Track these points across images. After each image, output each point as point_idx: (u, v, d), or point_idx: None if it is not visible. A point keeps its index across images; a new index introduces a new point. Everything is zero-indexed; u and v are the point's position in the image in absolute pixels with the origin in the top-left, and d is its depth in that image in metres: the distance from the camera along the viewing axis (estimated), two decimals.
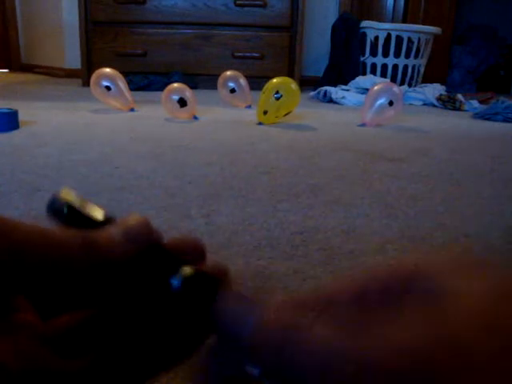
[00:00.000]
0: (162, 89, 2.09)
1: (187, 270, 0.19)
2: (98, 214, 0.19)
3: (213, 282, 0.19)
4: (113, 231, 0.19)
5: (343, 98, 2.71)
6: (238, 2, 3.04)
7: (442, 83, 3.10)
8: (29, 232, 0.17)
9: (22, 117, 1.70)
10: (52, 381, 0.18)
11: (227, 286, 0.20)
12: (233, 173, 1.20)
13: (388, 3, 3.82)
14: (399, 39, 3.06)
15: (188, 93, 1.93)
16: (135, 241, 0.19)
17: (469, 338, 0.14)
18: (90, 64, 3.04)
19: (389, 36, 3.06)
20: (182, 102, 1.92)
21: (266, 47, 3.11)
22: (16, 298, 0.19)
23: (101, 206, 0.20)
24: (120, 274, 0.19)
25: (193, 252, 0.21)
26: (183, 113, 1.94)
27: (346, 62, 3.17)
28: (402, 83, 3.11)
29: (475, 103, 2.63)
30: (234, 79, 2.34)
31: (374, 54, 3.14)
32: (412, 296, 0.16)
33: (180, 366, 0.22)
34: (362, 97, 2.55)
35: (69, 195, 0.19)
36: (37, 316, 0.19)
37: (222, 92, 2.38)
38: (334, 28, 3.22)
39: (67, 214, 0.19)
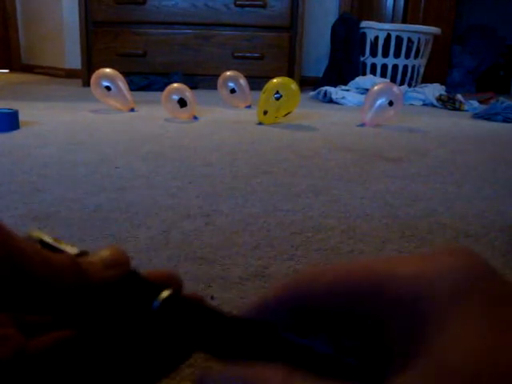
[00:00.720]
0: (162, 89, 2.09)
1: (166, 292, 0.20)
2: (72, 248, 0.20)
3: (189, 303, 0.20)
4: (92, 259, 0.20)
5: (343, 98, 2.71)
6: (238, 2, 3.04)
7: (441, 83, 3.11)
8: (25, 246, 0.17)
9: (22, 117, 1.70)
10: None
11: (204, 306, 0.21)
12: (233, 173, 1.20)
13: (388, 3, 3.83)
14: (399, 39, 3.06)
15: (188, 93, 1.93)
16: (114, 267, 0.20)
17: None
18: (90, 64, 3.04)
19: (389, 36, 3.06)
20: (182, 102, 1.92)
21: (265, 47, 3.11)
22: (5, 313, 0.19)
23: (72, 243, 0.21)
24: (102, 297, 0.20)
25: (169, 281, 0.22)
26: (183, 113, 1.94)
27: (346, 62, 3.17)
28: (401, 83, 3.11)
29: (475, 103, 2.64)
30: (234, 79, 2.35)
31: (373, 54, 3.14)
32: (400, 317, 0.15)
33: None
34: (361, 97, 2.56)
35: (39, 233, 0.20)
36: (18, 333, 0.20)
37: (222, 92, 2.39)
38: (334, 28, 3.23)
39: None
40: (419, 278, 0.16)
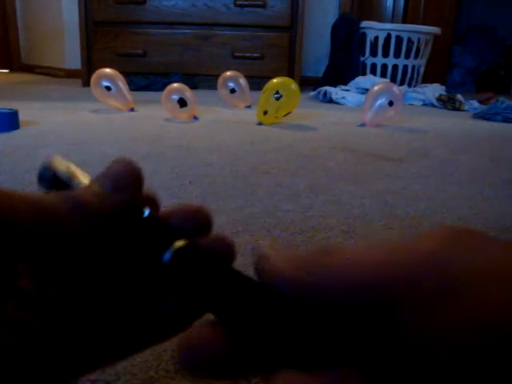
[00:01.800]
0: (161, 89, 2.09)
1: (180, 243, 0.18)
2: (86, 181, 0.19)
3: (207, 257, 0.18)
4: (99, 184, 0.18)
5: (343, 98, 2.71)
6: (238, 2, 3.04)
7: (441, 83, 3.11)
8: (16, 200, 0.16)
9: (22, 117, 1.70)
10: (34, 348, 0.17)
11: (227, 262, 0.19)
12: (233, 173, 1.20)
13: (388, 3, 3.83)
14: (399, 39, 3.06)
15: (188, 93, 1.93)
16: (123, 190, 0.18)
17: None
18: (90, 64, 3.04)
19: (389, 36, 3.07)
20: (182, 102, 1.92)
21: (266, 47, 3.11)
22: (14, 264, 0.18)
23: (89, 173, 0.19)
24: (112, 234, 0.18)
25: (195, 222, 0.20)
26: (183, 113, 1.94)
27: (346, 62, 3.17)
28: (401, 83, 3.11)
29: (475, 103, 2.64)
30: (234, 79, 2.35)
31: (373, 54, 3.14)
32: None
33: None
34: (361, 97, 2.55)
35: (59, 163, 0.19)
36: (30, 283, 0.18)
37: (222, 92, 2.39)
38: (334, 28, 3.23)
39: (53, 185, 0.19)
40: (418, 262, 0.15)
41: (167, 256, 0.18)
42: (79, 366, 0.19)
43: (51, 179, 0.19)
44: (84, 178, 0.19)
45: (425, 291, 0.15)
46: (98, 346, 0.19)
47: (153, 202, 0.20)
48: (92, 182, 0.19)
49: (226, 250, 0.20)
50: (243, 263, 0.72)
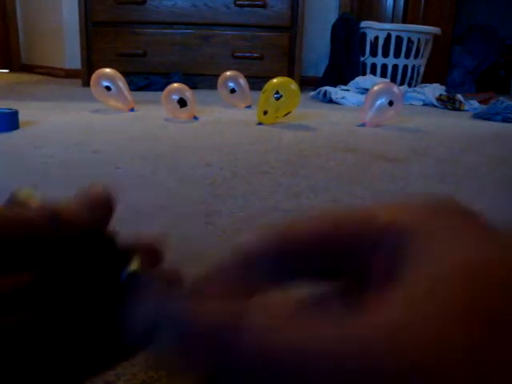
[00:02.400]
0: (162, 89, 2.09)
1: (135, 264, 0.19)
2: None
3: (158, 281, 0.19)
4: (76, 202, 0.19)
5: (343, 98, 2.71)
6: (238, 2, 3.04)
7: (441, 83, 3.11)
8: None
9: (22, 117, 1.70)
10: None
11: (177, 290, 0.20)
12: (233, 173, 1.20)
13: (388, 3, 3.83)
14: (399, 39, 3.06)
15: (188, 93, 1.93)
16: (96, 210, 0.20)
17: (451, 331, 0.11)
18: (90, 64, 3.04)
19: (389, 36, 3.07)
20: (182, 102, 1.92)
21: (266, 47, 3.11)
22: None
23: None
24: (75, 252, 0.19)
25: (150, 252, 0.21)
26: (183, 113, 1.94)
27: (346, 62, 3.17)
28: (401, 83, 3.11)
29: (475, 103, 2.64)
30: (234, 79, 2.35)
31: (373, 54, 3.14)
32: (379, 256, 0.14)
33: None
34: (361, 97, 2.55)
35: (28, 195, 0.20)
36: None
37: (222, 92, 2.39)
38: (334, 28, 3.23)
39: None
40: (396, 222, 0.15)
41: (124, 275, 0.19)
42: None
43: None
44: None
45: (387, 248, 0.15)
46: (65, 367, 0.20)
47: (113, 234, 0.22)
48: (67, 203, 0.20)
49: (176, 278, 0.21)
50: None
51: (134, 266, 0.19)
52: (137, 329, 0.16)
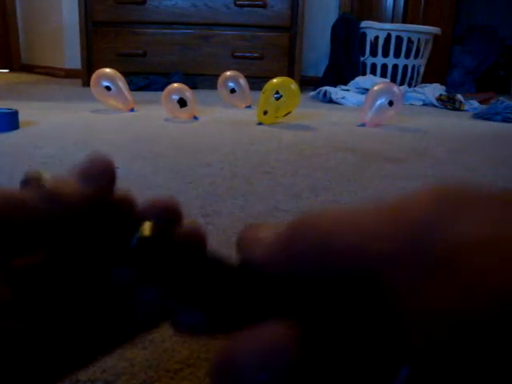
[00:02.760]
0: (162, 89, 2.09)
1: (146, 228, 0.18)
2: None
3: (177, 243, 0.18)
4: (71, 175, 0.19)
5: (343, 98, 2.71)
6: (237, 2, 3.04)
7: (441, 83, 3.11)
8: None
9: (22, 117, 1.70)
10: (15, 351, 0.17)
11: (198, 248, 0.19)
12: (233, 173, 1.20)
13: (388, 3, 3.83)
14: (399, 39, 3.06)
15: (188, 93, 1.93)
16: (94, 182, 0.19)
17: None
18: (90, 64, 3.04)
19: (389, 36, 3.07)
20: (182, 102, 1.92)
21: (266, 47, 3.11)
22: None
23: None
24: (81, 221, 0.18)
25: (167, 213, 0.20)
26: (183, 113, 1.94)
27: (346, 62, 3.17)
28: (401, 83, 3.11)
29: (475, 103, 2.64)
30: (234, 79, 2.35)
31: (373, 54, 3.14)
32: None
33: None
34: (362, 97, 2.55)
35: (39, 174, 0.20)
36: (4, 286, 0.19)
37: (222, 92, 2.39)
38: (334, 28, 3.23)
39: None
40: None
41: (134, 241, 0.18)
42: (62, 365, 0.19)
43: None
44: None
45: (411, 265, 0.14)
46: (78, 343, 0.20)
47: (127, 199, 0.21)
48: (65, 176, 0.19)
49: (198, 238, 0.20)
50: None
51: (145, 231, 0.18)
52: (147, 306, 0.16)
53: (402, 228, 0.14)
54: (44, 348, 0.18)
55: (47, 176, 0.19)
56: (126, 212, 0.20)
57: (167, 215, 0.20)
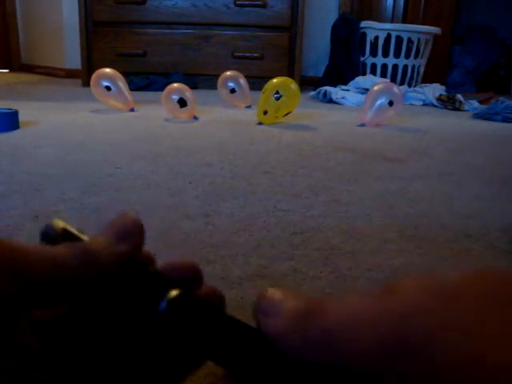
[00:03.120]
0: (162, 89, 2.09)
1: (174, 292, 0.19)
2: (85, 238, 0.20)
3: (202, 305, 0.19)
4: (103, 235, 0.19)
5: (343, 98, 2.71)
6: (238, 2, 3.04)
7: (441, 83, 3.11)
8: (30, 252, 0.17)
9: (22, 117, 1.70)
10: None
11: (219, 310, 0.20)
12: (233, 173, 1.20)
13: (388, 3, 3.83)
14: (399, 39, 3.06)
15: (188, 93, 1.93)
16: (127, 240, 0.19)
17: None
18: (90, 64, 3.04)
19: (389, 36, 3.07)
20: (182, 102, 1.92)
21: (266, 47, 3.11)
22: (17, 320, 0.19)
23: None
24: (109, 286, 0.19)
25: (189, 276, 0.21)
26: (183, 113, 1.94)
27: (346, 62, 3.17)
28: (401, 83, 3.11)
29: (475, 103, 2.64)
30: (234, 79, 2.35)
31: (373, 54, 3.14)
32: None
33: None
34: (362, 97, 2.55)
35: (62, 223, 0.20)
36: (33, 338, 0.19)
37: (222, 92, 2.39)
38: (334, 28, 3.23)
39: (62, 239, 0.20)
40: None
41: (163, 305, 0.18)
42: None
43: (53, 237, 0.20)
44: (84, 237, 0.20)
45: (410, 366, 0.14)
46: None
47: (149, 258, 0.22)
48: (97, 234, 0.20)
49: (218, 300, 0.21)
50: (243, 263, 0.72)
51: (174, 293, 0.18)
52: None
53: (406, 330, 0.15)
54: None
55: (64, 226, 0.20)
56: (152, 272, 0.20)
57: (190, 277, 0.21)
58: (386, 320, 0.15)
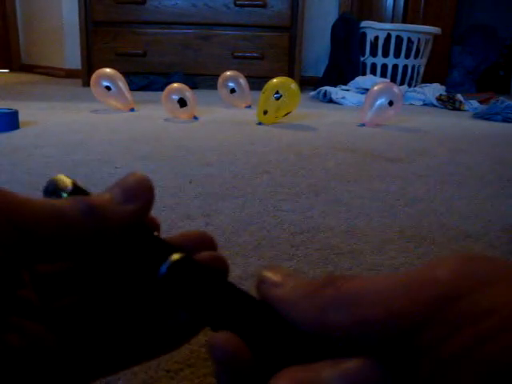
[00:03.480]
0: (162, 89, 2.09)
1: (175, 255, 0.18)
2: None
3: (203, 270, 0.19)
4: (111, 192, 0.19)
5: (343, 98, 2.71)
6: (238, 2, 3.04)
7: (441, 83, 3.11)
8: (33, 205, 0.17)
9: (22, 117, 1.70)
10: (48, 358, 0.18)
11: (221, 276, 0.19)
12: (233, 173, 1.20)
13: (388, 3, 3.83)
14: (399, 39, 3.06)
15: (188, 93, 1.93)
16: (135, 200, 0.19)
17: None
18: (90, 64, 3.04)
19: (389, 36, 3.07)
20: (182, 102, 1.92)
21: (266, 47, 3.11)
22: (20, 273, 0.18)
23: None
24: (114, 246, 0.18)
25: (199, 244, 0.21)
26: (183, 113, 1.94)
27: (346, 62, 3.17)
28: (401, 83, 3.11)
29: (475, 103, 2.64)
30: (234, 79, 2.35)
31: (373, 54, 3.14)
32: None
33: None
34: (361, 97, 2.55)
35: (64, 179, 0.20)
36: (33, 294, 0.19)
37: (222, 92, 2.39)
38: (334, 28, 3.23)
39: (72, 193, 0.19)
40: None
41: (163, 269, 0.18)
42: (84, 374, 0.20)
43: (56, 193, 0.19)
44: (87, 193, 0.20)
45: (439, 323, 0.15)
46: (104, 356, 0.20)
47: (154, 223, 0.21)
48: (105, 191, 0.19)
49: (221, 266, 0.21)
50: (243, 263, 0.72)
51: (175, 256, 0.18)
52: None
53: (431, 295, 0.16)
54: (69, 352, 0.19)
55: (68, 181, 0.19)
56: (156, 236, 0.20)
57: (200, 245, 0.21)
58: (419, 282, 0.16)
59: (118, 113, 2.09)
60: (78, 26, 3.02)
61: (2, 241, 0.15)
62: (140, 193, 0.19)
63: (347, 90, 2.84)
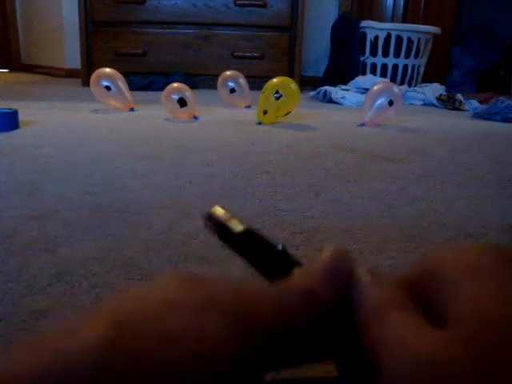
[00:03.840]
0: (162, 89, 2.09)
1: None
2: (239, 227, 0.22)
3: None
4: (318, 271, 0.18)
5: (343, 97, 2.71)
6: (238, 2, 3.04)
7: (441, 83, 3.11)
8: (258, 297, 0.16)
9: (22, 117, 1.70)
10: None
11: None
12: (233, 173, 1.20)
13: (388, 3, 3.83)
14: (399, 39, 3.06)
15: (188, 93, 1.93)
16: (338, 284, 0.18)
17: None
18: (90, 64, 3.04)
19: (389, 36, 3.07)
20: (182, 102, 1.92)
21: (266, 47, 3.11)
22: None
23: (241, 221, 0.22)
24: (328, 324, 0.18)
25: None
26: (183, 113, 1.94)
27: (346, 62, 3.17)
28: (401, 83, 3.11)
29: (475, 103, 2.64)
30: (234, 79, 2.35)
31: (373, 53, 3.14)
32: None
33: None
34: (361, 97, 2.55)
35: (219, 211, 0.23)
36: None
37: (222, 92, 2.39)
38: (334, 28, 3.23)
39: (215, 228, 0.22)
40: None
41: None
42: None
43: (213, 223, 0.22)
44: (238, 224, 0.22)
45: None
46: None
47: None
48: (311, 266, 0.19)
49: None
50: (244, 263, 0.72)
51: None
52: None
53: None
54: None
55: (233, 217, 0.21)
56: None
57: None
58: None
59: (118, 113, 2.09)
60: (77, 26, 3.03)
61: (253, 344, 0.15)
62: (343, 276, 0.19)
63: (347, 90, 2.84)
